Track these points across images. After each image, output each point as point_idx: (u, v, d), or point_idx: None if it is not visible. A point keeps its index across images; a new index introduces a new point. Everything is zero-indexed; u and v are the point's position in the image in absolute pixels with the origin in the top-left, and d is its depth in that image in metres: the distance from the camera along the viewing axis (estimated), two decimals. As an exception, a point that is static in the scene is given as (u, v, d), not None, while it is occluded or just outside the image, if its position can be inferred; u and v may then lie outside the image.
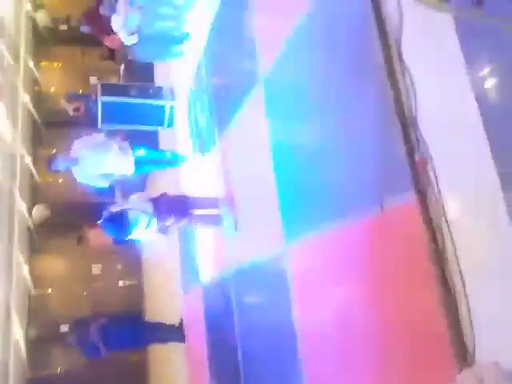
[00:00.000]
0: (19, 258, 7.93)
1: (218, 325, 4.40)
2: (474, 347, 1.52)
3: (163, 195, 4.06)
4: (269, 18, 3.09)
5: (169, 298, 6.46)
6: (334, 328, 2.35)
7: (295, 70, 2.70)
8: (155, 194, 4.12)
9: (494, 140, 1.45)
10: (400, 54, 1.78)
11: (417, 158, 1.76)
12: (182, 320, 5.60)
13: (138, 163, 4.51)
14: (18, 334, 7.33)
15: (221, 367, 4.39)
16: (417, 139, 1.76)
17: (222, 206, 3.80)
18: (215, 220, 3.85)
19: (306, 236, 2.65)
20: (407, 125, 1.76)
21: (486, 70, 1.54)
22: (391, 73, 1.81)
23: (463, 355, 1.56)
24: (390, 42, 1.82)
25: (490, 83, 1.54)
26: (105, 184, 4.41)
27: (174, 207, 3.91)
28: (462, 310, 1.59)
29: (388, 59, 1.82)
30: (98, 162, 4.24)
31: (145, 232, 3.73)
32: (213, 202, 3.88)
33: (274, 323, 3.14)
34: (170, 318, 5.88)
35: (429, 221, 1.72)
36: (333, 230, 2.33)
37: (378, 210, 1.95)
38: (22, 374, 7.42)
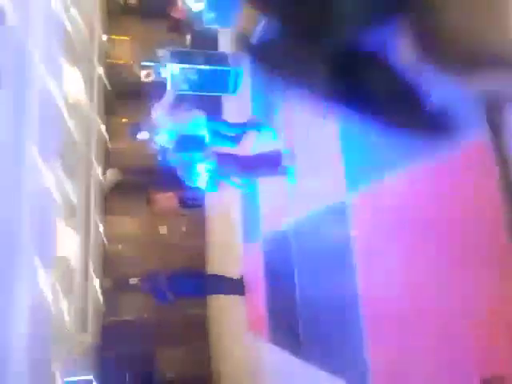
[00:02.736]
0: (96, 217, 8.70)
1: (278, 278, 4.56)
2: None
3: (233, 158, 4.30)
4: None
5: (230, 254, 6.84)
6: (398, 284, 2.28)
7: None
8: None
9: None
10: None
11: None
12: (242, 276, 5.96)
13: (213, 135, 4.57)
14: (95, 284, 8.15)
15: (280, 319, 4.57)
16: None
17: (284, 157, 3.94)
18: (278, 171, 3.98)
19: (370, 183, 2.61)
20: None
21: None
22: None
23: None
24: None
25: None
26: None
27: (237, 164, 4.10)
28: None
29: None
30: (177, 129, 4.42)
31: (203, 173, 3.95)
32: (275, 156, 4.00)
33: (335, 278, 3.14)
34: (232, 273, 6.26)
35: (502, 157, 1.64)
36: (398, 175, 2.28)
37: (448, 150, 1.89)
38: (99, 320, 8.27)
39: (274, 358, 4.67)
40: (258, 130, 4.72)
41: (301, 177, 3.85)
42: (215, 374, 8.58)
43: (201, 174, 3.97)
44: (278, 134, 4.49)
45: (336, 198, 3.07)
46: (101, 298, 8.25)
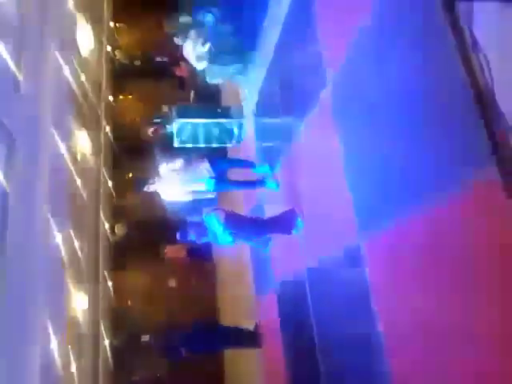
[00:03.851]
0: (104, 273, 8.63)
1: (295, 328, 4.44)
2: None
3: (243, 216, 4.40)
4: (333, 23, 3.28)
5: (243, 305, 6.68)
6: (421, 325, 2.26)
7: (364, 65, 2.77)
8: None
9: None
10: (471, 32, 1.80)
11: (496, 131, 1.73)
12: (256, 325, 5.79)
13: (220, 180, 4.77)
14: (104, 343, 7.92)
15: (299, 371, 4.40)
16: (495, 113, 1.73)
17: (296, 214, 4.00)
18: (289, 227, 4.05)
19: (381, 226, 2.62)
20: (483, 99, 1.75)
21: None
22: (463, 47, 1.83)
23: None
24: (460, 24, 1.84)
25: None
26: (188, 199, 4.84)
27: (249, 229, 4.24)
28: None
29: (459, 38, 1.84)
30: (183, 181, 4.65)
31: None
32: (289, 217, 4.08)
33: (354, 323, 3.07)
34: (245, 325, 6.08)
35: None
36: (411, 215, 2.29)
37: (458, 189, 1.92)
38: (109, 380, 7.96)
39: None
40: (264, 184, 4.85)
41: (310, 223, 3.86)
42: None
43: (213, 227, 4.02)
44: (279, 184, 4.59)
45: (348, 242, 3.06)
46: (111, 358, 8.00)
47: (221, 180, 4.79)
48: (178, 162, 4.78)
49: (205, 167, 4.72)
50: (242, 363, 7.11)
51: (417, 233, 2.30)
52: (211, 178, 4.67)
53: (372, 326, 2.71)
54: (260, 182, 4.94)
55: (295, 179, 4.25)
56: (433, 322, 2.17)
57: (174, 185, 4.64)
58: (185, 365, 6.71)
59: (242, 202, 6.48)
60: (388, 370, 2.57)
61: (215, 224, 3.98)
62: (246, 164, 5.43)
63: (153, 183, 4.68)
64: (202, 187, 4.67)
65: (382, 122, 2.60)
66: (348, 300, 3.15)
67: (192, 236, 4.30)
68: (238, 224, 4.11)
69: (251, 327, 5.84)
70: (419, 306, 2.28)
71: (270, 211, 5.06)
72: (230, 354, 7.86)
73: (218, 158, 5.90)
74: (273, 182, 4.79)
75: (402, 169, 2.40)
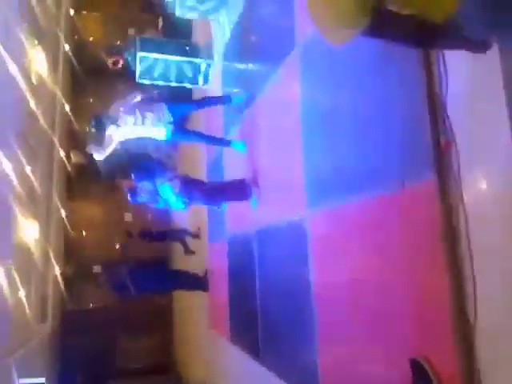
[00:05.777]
0: (57, 202, 8.42)
1: (240, 278, 4.63)
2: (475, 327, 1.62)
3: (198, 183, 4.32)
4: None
5: (196, 249, 6.82)
6: (347, 291, 2.51)
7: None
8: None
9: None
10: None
11: (442, 141, 1.82)
12: (206, 271, 5.96)
13: (175, 127, 4.34)
14: (55, 271, 7.95)
15: (240, 316, 4.69)
16: (444, 123, 1.81)
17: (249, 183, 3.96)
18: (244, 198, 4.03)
19: (327, 204, 2.76)
20: (436, 108, 1.81)
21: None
22: (426, 56, 1.85)
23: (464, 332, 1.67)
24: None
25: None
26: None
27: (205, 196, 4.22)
28: (468, 290, 1.67)
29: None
30: (134, 127, 4.24)
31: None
32: (243, 185, 4.03)
33: (291, 281, 3.29)
34: (196, 268, 6.24)
35: (446, 202, 1.79)
36: (354, 201, 2.43)
37: (399, 187, 2.03)
38: (60, 309, 8.11)
39: (233, 357, 4.76)
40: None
41: (264, 192, 3.88)
42: (178, 362, 8.67)
43: (167, 195, 3.96)
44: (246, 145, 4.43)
45: (295, 214, 3.20)
46: (62, 286, 8.08)
47: (179, 127, 4.39)
48: (137, 97, 4.37)
49: (163, 109, 4.28)
50: (190, 299, 7.40)
51: (353, 217, 2.46)
52: (169, 122, 4.25)
53: (306, 285, 2.95)
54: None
55: (255, 140, 4.16)
56: (357, 283, 2.41)
57: (125, 127, 4.18)
58: (135, 300, 6.88)
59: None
60: (313, 312, 2.85)
61: (169, 194, 3.91)
62: (218, 100, 5.00)
63: (105, 120, 4.17)
64: (156, 133, 4.30)
65: (345, 104, 2.56)
66: (288, 261, 3.38)
67: (143, 198, 4.20)
68: (193, 194, 4.05)
69: (201, 272, 6.01)
70: (345, 270, 2.54)
71: (229, 170, 5.02)
72: (179, 293, 8.13)
73: (178, 100, 5.57)
74: (239, 143, 4.51)
75: (355, 157, 2.44)
